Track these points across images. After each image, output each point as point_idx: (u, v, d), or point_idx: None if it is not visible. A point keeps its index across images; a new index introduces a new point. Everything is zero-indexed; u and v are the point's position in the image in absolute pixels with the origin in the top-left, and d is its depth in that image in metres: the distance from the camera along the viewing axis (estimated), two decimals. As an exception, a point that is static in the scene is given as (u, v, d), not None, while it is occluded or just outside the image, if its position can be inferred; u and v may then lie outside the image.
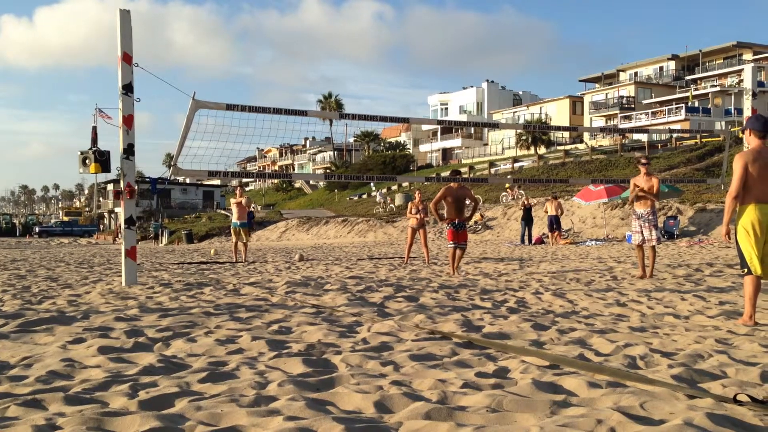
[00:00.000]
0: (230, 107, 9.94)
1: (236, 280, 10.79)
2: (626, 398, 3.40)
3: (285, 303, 7.72)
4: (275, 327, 5.90)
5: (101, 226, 75.55)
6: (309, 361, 4.43)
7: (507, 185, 37.74)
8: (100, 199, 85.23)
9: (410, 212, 15.39)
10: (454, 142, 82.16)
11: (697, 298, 7.69)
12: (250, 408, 3.33)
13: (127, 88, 9.48)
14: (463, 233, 11.51)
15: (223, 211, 64.50)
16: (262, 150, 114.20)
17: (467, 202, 11.82)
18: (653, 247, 10.46)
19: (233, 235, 17.26)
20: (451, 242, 11.53)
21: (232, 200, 17.12)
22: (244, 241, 17.14)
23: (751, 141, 5.91)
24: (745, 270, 5.82)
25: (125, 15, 9.55)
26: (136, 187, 9.72)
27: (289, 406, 3.34)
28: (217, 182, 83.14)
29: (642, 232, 10.45)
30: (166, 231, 48.39)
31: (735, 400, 3.26)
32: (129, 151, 9.57)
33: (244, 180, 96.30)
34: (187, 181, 77.11)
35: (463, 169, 52.08)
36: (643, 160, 10.69)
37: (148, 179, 12.32)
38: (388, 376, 4.05)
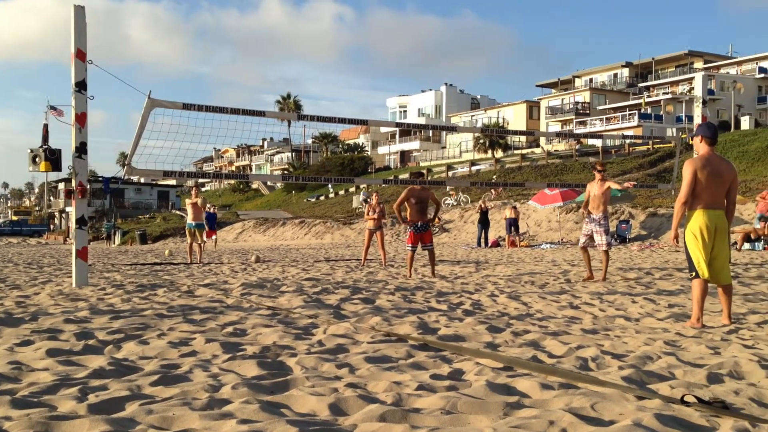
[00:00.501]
0: (187, 106, 9.83)
1: (191, 282, 10.66)
2: (578, 399, 3.45)
3: (240, 305, 7.65)
4: (230, 329, 5.84)
5: (51, 226, 73.98)
6: (264, 364, 4.39)
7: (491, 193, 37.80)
8: (51, 198, 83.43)
9: (367, 214, 15.43)
10: (413, 145, 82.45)
11: (647, 300, 7.85)
12: (202, 411, 3.28)
13: (81, 86, 9.30)
14: (426, 234, 11.56)
15: (178, 212, 63.68)
16: (219, 150, 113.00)
17: (430, 203, 11.89)
18: (605, 252, 10.61)
19: (188, 236, 16.97)
20: (410, 245, 11.57)
21: (188, 201, 16.95)
22: (199, 242, 16.94)
23: (701, 148, 6.05)
24: (693, 273, 5.96)
25: (80, 11, 9.37)
26: (88, 187, 9.54)
27: (242, 409, 3.31)
28: (172, 182, 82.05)
29: (592, 236, 10.60)
30: (119, 231, 47.63)
31: (682, 401, 3.33)
32: (81, 149, 9.38)
33: (201, 180, 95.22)
34: (142, 180, 75.97)
35: (421, 170, 52.38)
36: (599, 167, 10.86)
37: (101, 178, 12.08)
38: (343, 378, 4.05)
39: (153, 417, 3.18)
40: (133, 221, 58.33)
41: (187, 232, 17.11)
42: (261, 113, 10.94)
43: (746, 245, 19.00)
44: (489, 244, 25.91)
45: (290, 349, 4.94)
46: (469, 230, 31.47)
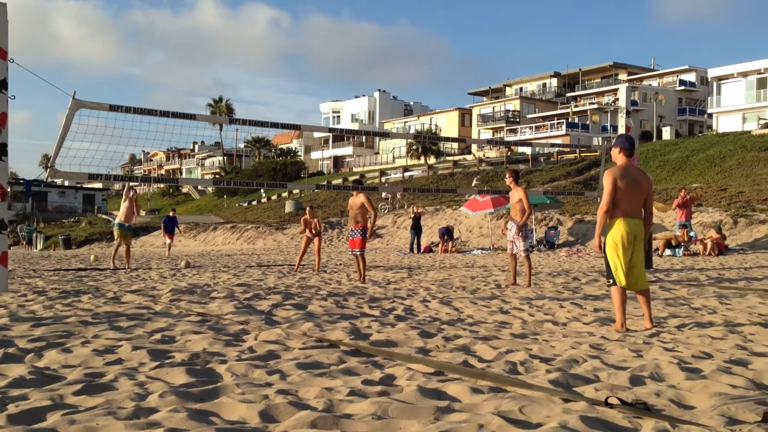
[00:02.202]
0: (113, 108, 9.59)
1: (117, 288, 10.38)
2: (506, 403, 3.50)
3: (169, 311, 7.49)
4: (158, 336, 5.72)
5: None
6: (193, 371, 4.31)
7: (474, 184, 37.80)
8: (-31, 200, 79.90)
9: (303, 231, 15.19)
10: (346, 150, 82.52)
11: (574, 305, 8.05)
12: (128, 420, 3.20)
13: (1, 85, 8.96)
14: (353, 240, 11.72)
15: (104, 216, 61.97)
16: (148, 153, 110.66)
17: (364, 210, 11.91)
18: (526, 257, 10.75)
19: (115, 237, 16.43)
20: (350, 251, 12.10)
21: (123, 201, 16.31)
22: (127, 244, 16.32)
23: (618, 159, 6.24)
24: (611, 281, 6.17)
25: (1, 8, 9.02)
26: (8, 189, 9.18)
27: (170, 417, 3.24)
28: (98, 185, 79.83)
29: (514, 242, 10.77)
30: (41, 236, 45.99)
31: (606, 403, 3.42)
32: (1, 150, 9.03)
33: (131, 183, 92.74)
34: (66, 183, 73.67)
35: (353, 178, 52.43)
36: (508, 174, 11.07)
37: (22, 181, 11.68)
38: (274, 384, 4.01)
39: (76, 427, 3.09)
40: (57, 225, 56.42)
41: (115, 234, 16.42)
42: (192, 116, 10.77)
43: (667, 251, 19.70)
44: (421, 250, 26.12)
45: (220, 356, 4.87)
46: (401, 236, 31.66)
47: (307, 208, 15.54)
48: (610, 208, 6.07)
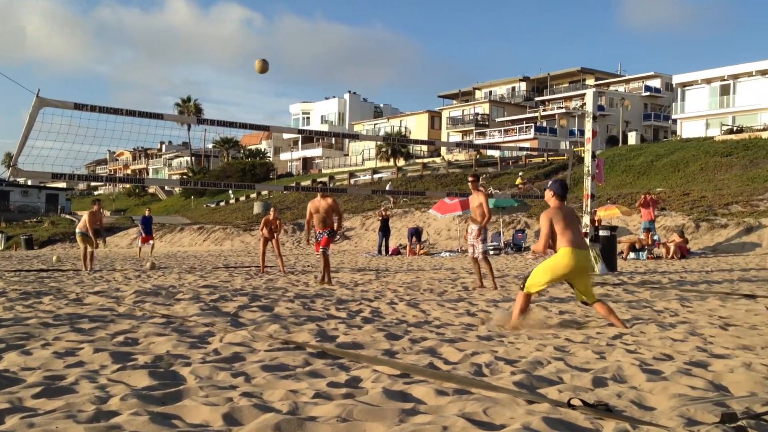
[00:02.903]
0: (78, 106, 9.46)
1: (80, 289, 10.23)
2: (471, 405, 3.52)
3: (133, 313, 7.40)
4: (121, 338, 5.65)
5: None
6: (155, 374, 4.27)
7: (519, 180, 37.36)
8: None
9: (261, 229, 15.41)
10: (315, 152, 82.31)
11: (539, 307, 8.11)
12: (88, 424, 3.15)
13: (-38, 81, 8.79)
14: (322, 240, 11.77)
15: (68, 216, 61.01)
16: (114, 153, 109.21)
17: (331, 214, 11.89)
18: (486, 260, 10.81)
19: (80, 242, 16.58)
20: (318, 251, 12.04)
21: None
22: (90, 249, 16.31)
23: (551, 201, 6.52)
24: (522, 285, 6.52)
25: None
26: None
27: (131, 420, 3.20)
28: (62, 185, 78.63)
29: (474, 246, 10.82)
30: (2, 236, 45.15)
31: (569, 405, 3.46)
32: (-38, 148, 8.85)
33: (93, 183, 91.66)
34: (29, 182, 72.38)
35: (323, 179, 52.27)
36: (470, 177, 11.11)
37: (-17, 180, 11.47)
38: (238, 387, 3.98)
39: (35, 430, 3.04)
40: (19, 225, 55.42)
41: (78, 238, 16.71)
42: (159, 116, 10.68)
43: (631, 254, 19.98)
44: (389, 252, 26.15)
45: (184, 359, 4.82)
46: (370, 238, 31.67)
47: (272, 210, 15.63)
48: (547, 248, 6.35)
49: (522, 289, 6.53)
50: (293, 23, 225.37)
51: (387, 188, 39.52)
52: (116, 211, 66.15)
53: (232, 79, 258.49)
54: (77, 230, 16.70)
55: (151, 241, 24.69)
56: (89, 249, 16.23)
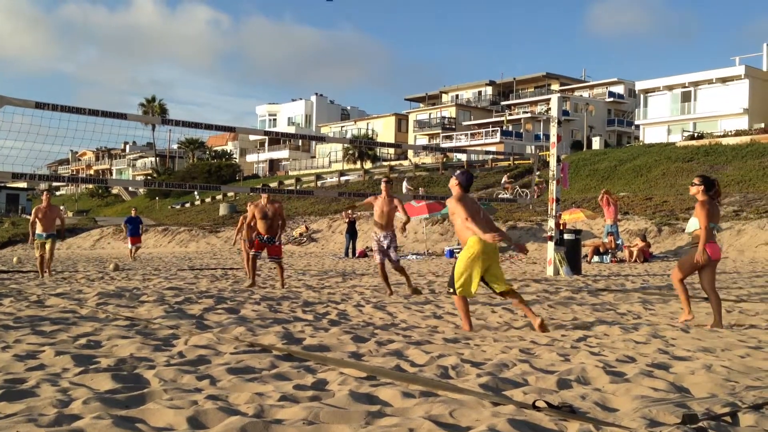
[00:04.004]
0: (40, 105, 9.30)
1: (41, 291, 10.05)
2: (437, 407, 3.54)
3: (96, 315, 7.29)
4: (83, 341, 5.56)
5: None
6: (119, 377, 4.21)
7: (505, 180, 36.71)
8: None
9: (240, 227, 13.91)
10: (282, 154, 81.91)
11: (505, 310, 8.18)
12: (50, 428, 3.10)
13: None
14: (273, 247, 11.54)
15: (29, 216, 59.81)
16: (76, 153, 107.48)
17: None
18: (401, 268, 10.47)
19: (36, 249, 13.83)
20: (253, 251, 11.55)
21: (37, 208, 13.93)
22: (47, 256, 13.78)
23: (455, 189, 6.67)
24: (451, 290, 6.55)
25: None
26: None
27: (93, 424, 3.15)
28: (23, 185, 77.08)
29: (381, 252, 10.39)
30: (-39, 236, 44.06)
31: (534, 407, 3.49)
32: None
33: (55, 184, 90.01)
34: (-11, 182, 70.91)
35: (288, 181, 52.06)
36: (384, 179, 10.71)
37: (-59, 179, 11.20)
38: (203, 390, 3.95)
39: (-7, 436, 2.98)
40: (-22, 226, 54.19)
41: (35, 245, 13.81)
42: (123, 116, 10.54)
43: (595, 258, 20.23)
44: (356, 255, 26.12)
45: (148, 361, 4.77)
46: (337, 240, 31.60)
47: (250, 206, 14.53)
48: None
49: (455, 294, 6.54)
50: (261, 24, 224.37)
51: (405, 183, 39.30)
52: (79, 212, 65.07)
53: (198, 80, 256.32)
54: (38, 233, 13.68)
55: (138, 244, 23.14)
56: (47, 255, 13.80)
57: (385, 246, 10.40)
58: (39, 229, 13.70)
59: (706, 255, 6.72)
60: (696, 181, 6.93)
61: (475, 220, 6.39)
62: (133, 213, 24.44)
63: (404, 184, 38.96)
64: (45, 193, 14.70)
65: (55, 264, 16.30)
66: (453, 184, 6.71)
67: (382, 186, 10.48)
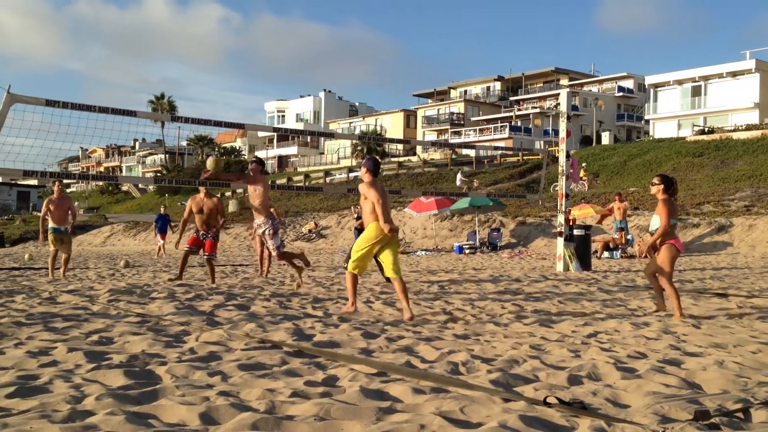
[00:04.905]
0: (50, 103, 9.34)
1: (53, 288, 10.11)
2: (448, 403, 3.54)
3: (107, 312, 7.33)
4: (95, 337, 5.59)
5: None
6: (131, 373, 4.23)
7: (582, 172, 36.01)
8: None
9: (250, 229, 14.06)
10: (290, 150, 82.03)
11: (516, 306, 8.17)
12: (63, 424, 3.12)
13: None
14: (207, 242, 11.19)
15: (39, 214, 60.13)
16: (87, 150, 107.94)
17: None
18: (283, 255, 10.17)
19: (51, 244, 12.60)
20: (188, 246, 11.23)
21: (48, 199, 12.80)
22: (66, 252, 12.69)
23: (366, 177, 7.18)
24: (347, 266, 7.21)
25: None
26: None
27: (107, 420, 3.17)
28: (34, 182, 77.50)
29: (264, 240, 10.28)
30: (-27, 233, 44.34)
31: (545, 403, 3.49)
32: (-69, 144, 8.70)
33: (66, 181, 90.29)
34: (0, 180, 71.31)
35: (297, 178, 52.07)
36: (253, 159, 10.60)
37: (-47, 176, 11.24)
38: (215, 386, 3.96)
39: (9, 431, 3.00)
40: (-10, 223, 54.54)
41: (49, 240, 12.53)
42: (132, 113, 10.57)
43: (605, 253, 20.18)
44: (365, 251, 26.14)
45: (160, 358, 4.79)
46: (346, 236, 31.62)
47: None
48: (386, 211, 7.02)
49: (348, 270, 7.14)
50: (271, 22, 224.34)
51: (459, 175, 39.23)
52: (89, 209, 65.34)
53: (207, 77, 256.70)
54: (51, 226, 12.50)
55: (162, 241, 22.91)
56: (66, 252, 12.75)
57: (262, 233, 10.29)
58: (52, 223, 12.54)
59: (675, 249, 7.26)
60: (656, 180, 7.42)
61: (383, 206, 6.95)
62: (162, 210, 24.17)
63: (458, 176, 38.79)
64: (56, 183, 13.14)
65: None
66: (363, 171, 7.20)
67: (251, 167, 10.25)
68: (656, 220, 7.38)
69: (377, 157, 7.70)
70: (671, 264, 7.30)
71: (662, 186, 7.31)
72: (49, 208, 12.48)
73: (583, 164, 37.57)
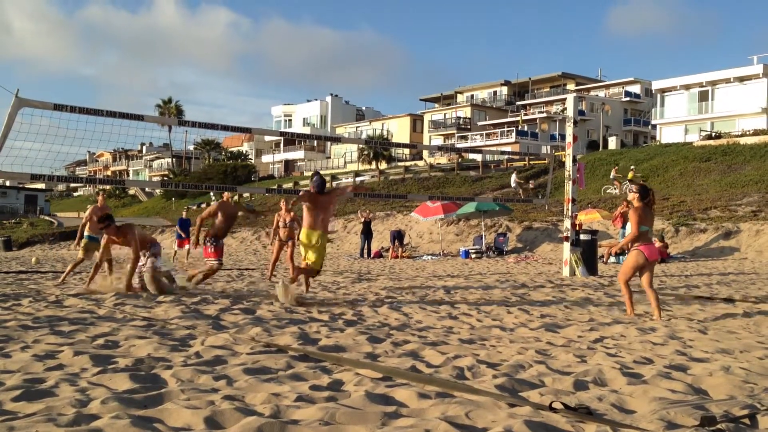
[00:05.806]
0: (58, 107, 9.39)
1: (59, 292, 10.13)
2: (453, 408, 3.53)
3: (113, 315, 7.34)
4: (101, 341, 5.60)
5: None
6: (136, 377, 4.24)
7: (613, 175, 35.40)
8: None
9: (276, 226, 13.37)
10: (297, 154, 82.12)
11: (521, 311, 8.16)
12: (69, 427, 3.13)
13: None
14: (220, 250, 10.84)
15: (47, 217, 60.39)
16: (94, 154, 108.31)
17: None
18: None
19: (82, 251, 12.26)
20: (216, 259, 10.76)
21: (95, 207, 12.58)
22: (103, 260, 11.48)
23: (312, 189, 9.14)
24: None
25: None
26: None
27: (112, 424, 3.18)
28: (41, 186, 77.88)
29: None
30: (-20, 237, 44.50)
31: (550, 408, 3.48)
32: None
33: (73, 185, 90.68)
34: (7, 183, 71.63)
35: (303, 182, 52.07)
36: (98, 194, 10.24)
37: (-39, 180, 11.28)
38: (220, 390, 3.97)
39: (13, 435, 3.01)
40: (-3, 226, 54.72)
41: (81, 246, 12.32)
42: (140, 117, 10.61)
43: (612, 258, 20.11)
44: (372, 255, 26.14)
45: (165, 361, 4.79)
46: (352, 240, 31.63)
47: (282, 202, 13.59)
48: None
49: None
50: (280, 26, 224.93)
51: (513, 176, 38.94)
52: (96, 213, 65.34)
53: (216, 82, 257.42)
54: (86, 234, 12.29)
55: (187, 245, 21.10)
56: (109, 261, 12.17)
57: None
58: (88, 231, 12.29)
59: (643, 256, 7.50)
60: (634, 188, 7.95)
61: (311, 214, 8.98)
62: (183, 214, 23.60)
63: (513, 176, 38.60)
64: (101, 193, 13.73)
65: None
66: (311, 186, 9.14)
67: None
68: (629, 227, 7.97)
69: (322, 176, 9.34)
70: (633, 268, 7.62)
71: (638, 195, 7.78)
72: (92, 217, 12.18)
73: (615, 166, 37.53)
